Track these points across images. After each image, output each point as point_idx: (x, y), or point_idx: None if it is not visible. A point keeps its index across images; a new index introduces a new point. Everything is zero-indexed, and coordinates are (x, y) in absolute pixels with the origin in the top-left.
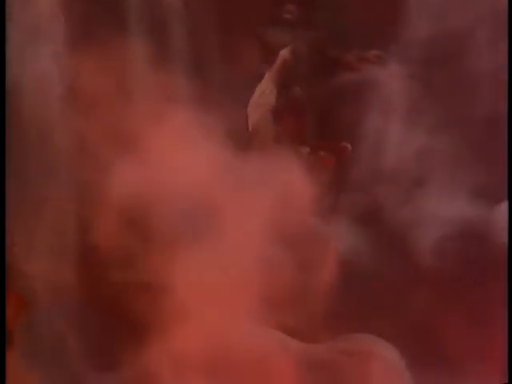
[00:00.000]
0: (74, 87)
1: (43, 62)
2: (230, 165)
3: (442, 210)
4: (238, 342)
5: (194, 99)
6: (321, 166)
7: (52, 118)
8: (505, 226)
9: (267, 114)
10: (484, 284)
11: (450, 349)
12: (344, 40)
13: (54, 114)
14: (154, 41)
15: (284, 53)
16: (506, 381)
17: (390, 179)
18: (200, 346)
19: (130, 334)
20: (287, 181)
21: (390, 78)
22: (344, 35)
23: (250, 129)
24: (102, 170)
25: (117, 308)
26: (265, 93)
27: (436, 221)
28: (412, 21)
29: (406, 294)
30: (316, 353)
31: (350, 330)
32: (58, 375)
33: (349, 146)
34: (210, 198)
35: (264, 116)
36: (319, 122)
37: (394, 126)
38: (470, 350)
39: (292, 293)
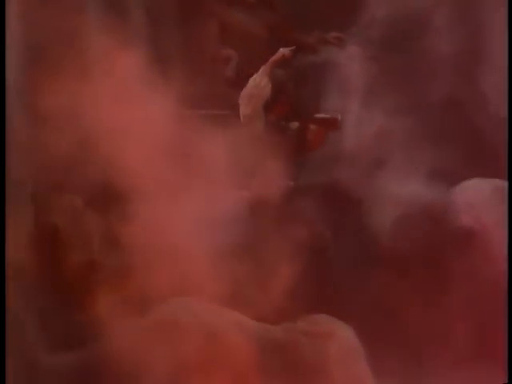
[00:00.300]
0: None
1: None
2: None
3: (401, 190)
4: (193, 319)
5: (149, 70)
6: (312, 140)
7: (10, 92)
8: (462, 208)
9: (260, 106)
10: (440, 264)
11: (407, 328)
12: (305, 22)
13: (12, 90)
14: (112, 14)
15: (284, 50)
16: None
17: (349, 159)
18: (156, 319)
19: (87, 315)
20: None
21: (350, 60)
22: (305, 18)
23: (242, 119)
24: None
25: (73, 289)
26: (260, 85)
27: (394, 201)
28: (371, 4)
29: (365, 275)
30: (274, 333)
31: (308, 311)
32: (14, 356)
33: (339, 116)
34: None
35: (257, 108)
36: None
37: (354, 106)
38: (427, 330)
39: (251, 274)
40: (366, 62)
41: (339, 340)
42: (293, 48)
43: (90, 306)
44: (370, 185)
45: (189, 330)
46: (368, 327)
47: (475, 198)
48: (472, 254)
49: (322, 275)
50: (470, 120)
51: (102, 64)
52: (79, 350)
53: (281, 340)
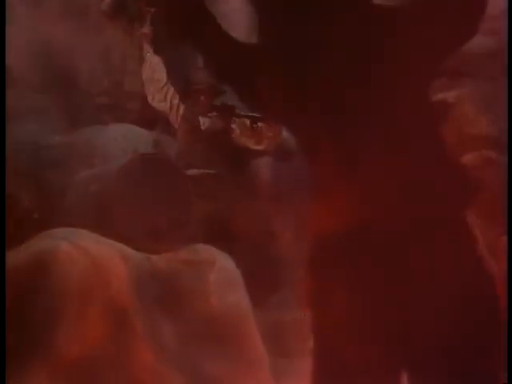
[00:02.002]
0: None
1: None
2: None
3: None
4: (74, 248)
5: None
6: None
7: None
8: None
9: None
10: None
11: (280, 257)
12: None
13: None
14: None
15: None
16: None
17: None
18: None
19: None
20: None
21: None
22: None
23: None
24: None
25: None
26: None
27: None
28: None
29: (243, 208)
30: (155, 262)
31: (190, 240)
32: None
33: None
34: None
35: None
36: None
37: None
38: (296, 258)
39: (133, 204)
40: None
41: (219, 269)
42: None
43: None
44: None
45: (69, 259)
46: (247, 257)
47: None
48: None
49: (203, 207)
50: None
51: None
52: None
53: (161, 269)
